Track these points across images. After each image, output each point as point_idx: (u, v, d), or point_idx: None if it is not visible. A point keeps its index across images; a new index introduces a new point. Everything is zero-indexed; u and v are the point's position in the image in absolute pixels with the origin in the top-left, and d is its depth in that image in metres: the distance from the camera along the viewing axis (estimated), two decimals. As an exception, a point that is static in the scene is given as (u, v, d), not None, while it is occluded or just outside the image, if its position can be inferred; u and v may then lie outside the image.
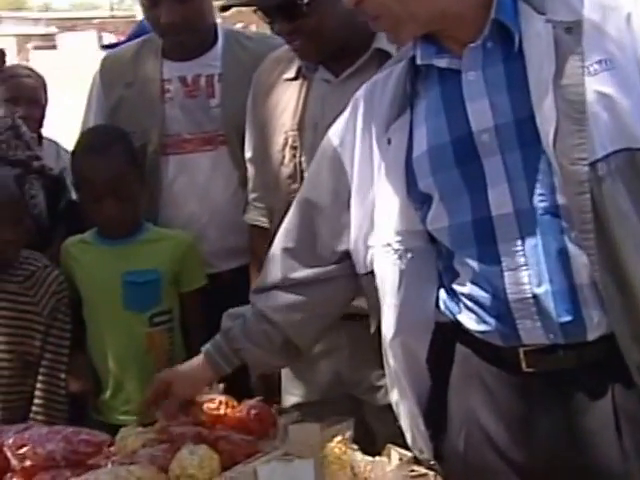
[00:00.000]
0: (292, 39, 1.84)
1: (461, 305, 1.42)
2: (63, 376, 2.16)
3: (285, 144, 1.92)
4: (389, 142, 1.44)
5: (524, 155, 1.31)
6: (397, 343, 1.49)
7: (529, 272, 1.33)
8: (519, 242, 1.33)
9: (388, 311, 1.49)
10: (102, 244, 2.23)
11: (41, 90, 2.97)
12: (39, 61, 13.24)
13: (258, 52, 2.26)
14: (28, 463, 1.47)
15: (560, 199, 1.30)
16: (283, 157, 1.93)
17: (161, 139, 2.28)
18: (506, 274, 1.34)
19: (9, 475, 1.50)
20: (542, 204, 1.31)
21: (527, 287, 1.33)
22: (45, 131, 3.12)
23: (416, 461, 1.38)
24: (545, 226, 1.31)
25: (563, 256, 1.31)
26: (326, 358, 1.99)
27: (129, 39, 2.92)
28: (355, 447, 1.45)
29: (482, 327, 1.39)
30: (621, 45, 1.30)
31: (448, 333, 1.46)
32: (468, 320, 1.41)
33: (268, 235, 2.03)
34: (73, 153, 2.28)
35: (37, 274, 2.15)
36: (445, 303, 1.45)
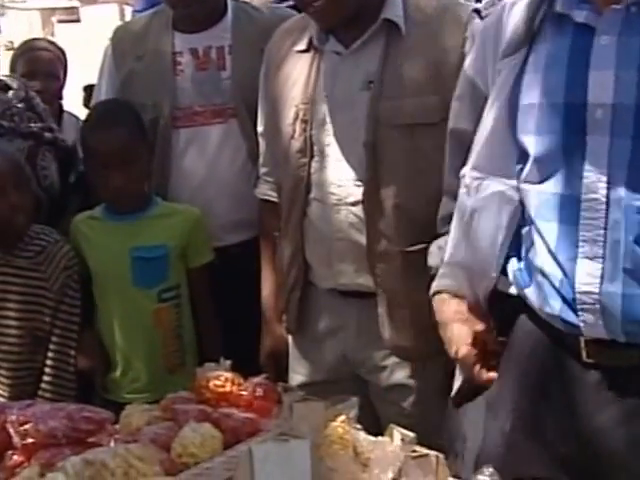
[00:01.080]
0: (313, 2, 1.79)
1: (532, 278, 1.36)
2: (72, 353, 2.16)
3: (296, 117, 1.90)
4: (499, 73, 1.37)
5: (635, 146, 1.22)
6: (452, 267, 1.49)
7: (604, 266, 1.26)
8: (602, 232, 1.25)
9: (451, 239, 1.49)
10: (110, 220, 2.23)
11: (58, 63, 2.96)
12: (64, 35, 13.29)
13: (266, 23, 2.26)
14: (29, 440, 1.45)
15: None
16: (294, 130, 1.90)
17: (172, 112, 2.26)
18: (580, 261, 1.27)
19: (10, 452, 1.49)
20: (637, 202, 1.23)
21: (597, 281, 1.26)
22: (70, 104, 3.11)
23: (418, 442, 1.35)
24: (633, 225, 1.23)
25: None
26: (332, 337, 1.98)
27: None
28: (359, 427, 1.43)
29: (547, 308, 1.34)
30: None
31: (514, 306, 1.42)
32: (536, 297, 1.36)
33: (278, 210, 2.03)
34: (82, 127, 2.29)
35: (48, 249, 2.14)
36: (516, 273, 1.40)
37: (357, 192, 1.84)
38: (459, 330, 1.46)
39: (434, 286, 1.55)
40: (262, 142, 2.10)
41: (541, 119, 1.30)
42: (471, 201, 1.42)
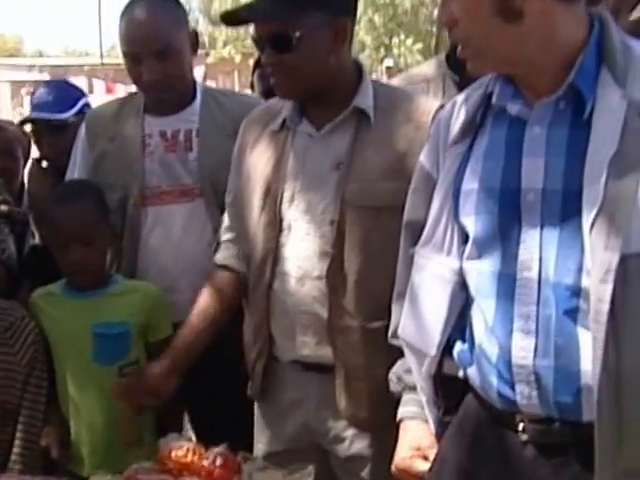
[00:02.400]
0: (274, 71, 1.90)
1: (473, 357, 1.43)
2: (40, 426, 2.17)
3: (267, 193, 1.97)
4: (447, 163, 1.46)
5: (562, 226, 1.29)
6: (402, 342, 1.54)
7: (537, 341, 1.32)
8: (534, 308, 1.32)
9: (407, 313, 1.54)
10: (70, 297, 2.25)
11: (16, 143, 2.91)
12: (31, 106, 13.33)
13: (233, 108, 2.39)
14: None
15: (584, 281, 1.27)
16: (264, 205, 1.98)
17: (141, 191, 2.35)
18: (515, 335, 1.34)
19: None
20: (566, 280, 1.29)
21: (531, 355, 1.32)
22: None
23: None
24: (563, 302, 1.29)
25: (573, 337, 1.29)
26: (295, 408, 2.03)
27: None
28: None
29: (485, 385, 1.40)
30: None
31: (461, 388, 1.47)
32: (476, 375, 1.43)
33: (237, 279, 2.09)
34: (47, 203, 2.33)
35: (15, 325, 2.16)
36: (460, 355, 1.46)
37: (321, 267, 1.90)
38: (408, 467, 1.57)
39: (399, 412, 1.64)
40: (229, 211, 2.15)
41: (479, 202, 1.38)
42: (418, 278, 1.50)
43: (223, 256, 2.15)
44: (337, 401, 1.94)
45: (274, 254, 1.96)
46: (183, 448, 1.75)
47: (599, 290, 1.23)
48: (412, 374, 1.58)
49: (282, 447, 2.05)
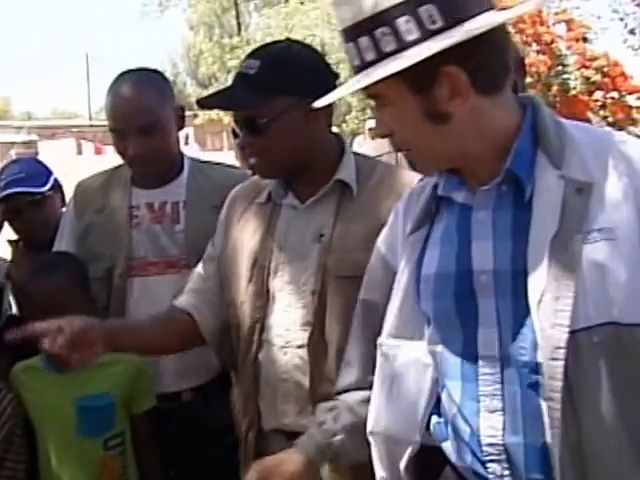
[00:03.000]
0: (250, 153, 1.95)
1: (448, 432, 1.43)
2: None
3: (254, 264, 2.01)
4: (405, 250, 1.49)
5: (514, 305, 1.31)
6: (376, 437, 1.52)
7: (504, 418, 1.32)
8: (499, 387, 1.33)
9: (372, 404, 1.53)
10: (53, 370, 2.25)
11: None
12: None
13: (219, 181, 2.42)
14: None
15: (539, 358, 1.28)
16: (251, 275, 2.01)
17: (127, 262, 2.37)
18: (482, 414, 1.35)
19: None
20: (523, 357, 1.30)
21: (500, 433, 1.33)
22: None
23: None
24: (524, 378, 1.30)
25: (539, 412, 1.29)
26: None
27: None
28: None
29: (460, 461, 1.41)
30: (626, 215, 1.28)
31: (436, 457, 1.46)
32: (451, 450, 1.43)
33: (194, 327, 2.08)
34: (25, 274, 2.34)
35: None
36: (436, 427, 1.46)
37: (303, 336, 1.93)
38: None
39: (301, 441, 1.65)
40: (208, 265, 2.14)
41: (437, 287, 1.41)
42: (391, 369, 1.50)
43: (186, 301, 2.13)
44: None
45: (261, 324, 1.99)
46: None
47: (550, 367, 1.26)
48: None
49: None
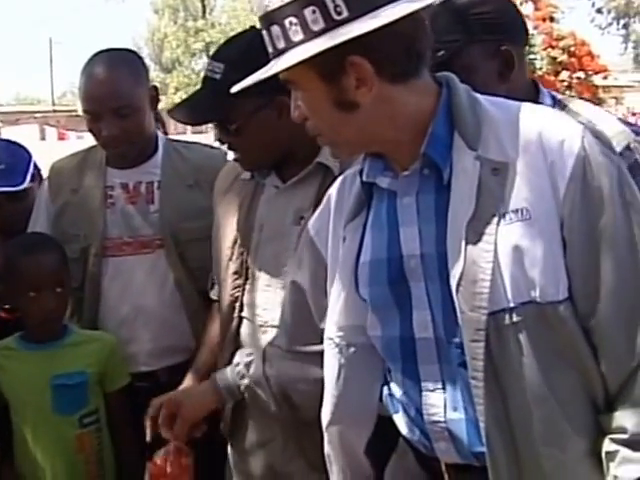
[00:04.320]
0: (229, 149, 1.99)
1: (397, 406, 1.47)
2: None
3: (235, 242, 2.03)
4: (344, 240, 1.49)
5: (441, 288, 1.34)
6: (333, 431, 1.54)
7: (445, 396, 1.37)
8: (437, 367, 1.37)
9: (327, 399, 1.54)
10: (28, 349, 2.27)
11: None
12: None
13: (195, 161, 2.44)
14: None
15: (463, 339, 1.31)
16: (232, 253, 2.03)
17: (102, 242, 2.38)
18: (424, 394, 1.39)
19: None
20: (453, 339, 1.34)
21: (441, 411, 1.37)
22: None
23: None
24: (456, 358, 1.34)
25: (470, 390, 1.33)
26: (260, 450, 2.05)
27: None
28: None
29: (409, 434, 1.46)
30: (542, 193, 1.29)
31: (391, 426, 1.50)
32: (401, 423, 1.47)
33: None
34: (9, 253, 2.33)
35: None
36: (387, 399, 1.50)
37: None
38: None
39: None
40: (213, 260, 2.18)
41: (371, 273, 1.44)
42: (344, 359, 1.51)
43: (215, 292, 2.20)
44: (301, 444, 1.97)
45: (240, 302, 2.01)
46: None
47: (471, 348, 1.29)
48: None
49: None
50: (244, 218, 2.02)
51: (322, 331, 1.57)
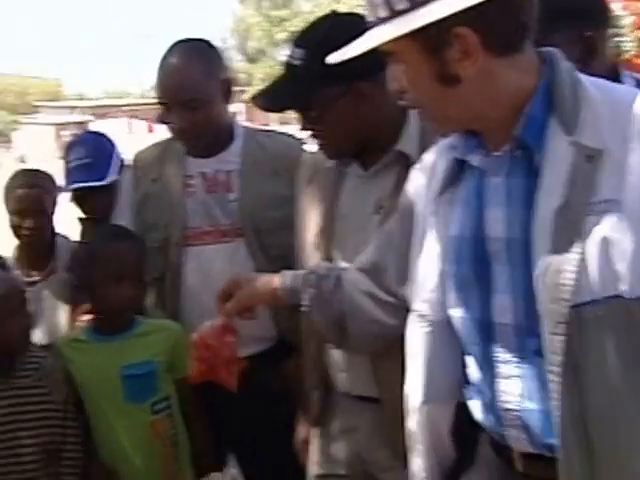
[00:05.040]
0: (312, 137, 1.97)
1: (472, 391, 1.45)
2: (83, 464, 2.23)
3: (319, 231, 2.02)
4: (436, 212, 1.46)
5: (525, 274, 1.29)
6: (422, 409, 1.51)
7: (520, 385, 1.33)
8: (515, 354, 1.33)
9: (414, 377, 1.51)
10: (98, 341, 2.32)
11: (47, 198, 2.79)
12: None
13: (274, 149, 2.42)
14: None
15: (543, 331, 1.27)
16: (316, 243, 2.02)
17: (182, 232, 2.39)
18: (498, 381, 1.36)
19: None
20: (533, 327, 1.29)
21: (517, 399, 1.33)
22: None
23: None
24: (535, 348, 1.30)
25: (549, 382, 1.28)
26: (346, 437, 2.07)
27: None
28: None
29: (483, 420, 1.42)
30: (636, 185, 1.22)
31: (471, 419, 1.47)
32: (475, 409, 1.44)
33: None
34: (93, 241, 2.40)
35: (42, 364, 2.23)
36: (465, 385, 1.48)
37: None
38: None
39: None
40: (295, 249, 2.18)
41: (457, 249, 1.40)
42: (432, 335, 1.48)
43: None
44: (386, 434, 1.95)
45: None
46: None
47: (551, 341, 1.24)
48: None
49: (334, 471, 2.10)
50: (328, 208, 2.01)
51: (393, 292, 1.61)
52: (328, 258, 1.98)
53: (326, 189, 2.03)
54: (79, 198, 2.82)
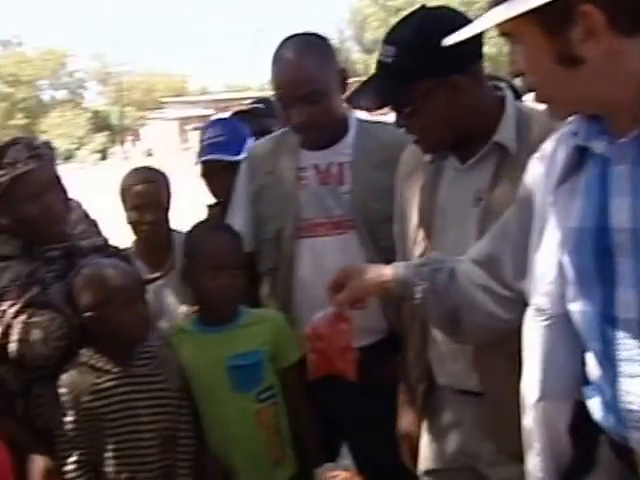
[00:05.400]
0: (407, 132, 1.97)
1: (591, 389, 1.39)
2: (198, 450, 2.28)
3: (419, 224, 2.02)
4: (556, 203, 1.41)
5: None
6: (539, 406, 1.47)
7: None
8: (638, 351, 1.26)
9: (532, 373, 1.47)
10: (204, 332, 2.37)
11: (163, 192, 2.85)
12: (196, 140, 14.09)
13: (385, 140, 2.41)
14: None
15: None
16: (416, 236, 2.02)
17: (296, 224, 2.42)
18: (620, 380, 1.29)
19: None
20: None
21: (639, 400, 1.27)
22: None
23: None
24: None
25: None
26: (452, 430, 2.07)
27: None
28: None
29: (603, 421, 1.37)
30: None
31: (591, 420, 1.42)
32: (594, 408, 1.39)
33: None
34: (191, 232, 2.48)
35: (158, 352, 2.29)
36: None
37: None
38: None
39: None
40: (396, 243, 2.20)
41: (577, 241, 1.35)
42: (551, 329, 1.43)
43: None
44: (489, 428, 1.94)
45: None
46: (339, 478, 1.78)
47: None
48: None
49: (441, 466, 2.10)
50: (426, 202, 2.01)
51: (509, 285, 1.58)
52: (427, 253, 1.97)
53: (424, 183, 2.03)
54: (209, 174, 2.96)
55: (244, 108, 4.01)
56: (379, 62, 1.91)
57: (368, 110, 2.03)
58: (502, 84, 2.02)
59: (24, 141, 2.28)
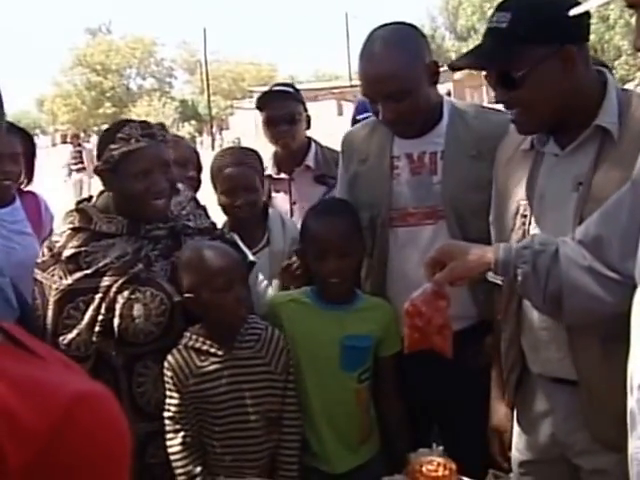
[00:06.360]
0: (507, 108, 1.96)
1: None
2: (302, 431, 2.35)
3: (516, 212, 2.01)
4: None
5: None
6: None
7: None
8: None
9: (637, 355, 1.46)
10: (322, 307, 2.43)
11: (256, 175, 2.86)
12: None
13: (480, 130, 2.39)
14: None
15: None
16: (514, 224, 2.02)
17: (388, 212, 2.45)
18: None
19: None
20: None
21: None
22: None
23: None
24: None
25: None
26: (544, 419, 2.07)
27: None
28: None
29: None
30: None
31: None
32: None
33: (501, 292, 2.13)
34: (307, 215, 2.53)
35: (263, 336, 2.32)
36: None
37: None
38: None
39: None
40: (492, 231, 2.20)
41: None
42: None
43: (491, 275, 2.19)
44: (583, 417, 1.93)
45: None
46: (434, 463, 1.80)
47: None
48: None
49: (532, 457, 2.11)
50: (525, 188, 2.00)
51: (615, 267, 1.56)
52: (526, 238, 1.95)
53: (523, 170, 2.02)
54: None
55: None
56: (490, 29, 1.89)
57: (470, 67, 2.01)
58: (604, 69, 2.00)
59: (140, 120, 2.38)
